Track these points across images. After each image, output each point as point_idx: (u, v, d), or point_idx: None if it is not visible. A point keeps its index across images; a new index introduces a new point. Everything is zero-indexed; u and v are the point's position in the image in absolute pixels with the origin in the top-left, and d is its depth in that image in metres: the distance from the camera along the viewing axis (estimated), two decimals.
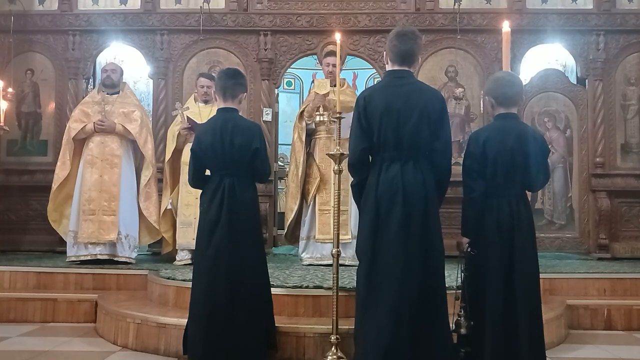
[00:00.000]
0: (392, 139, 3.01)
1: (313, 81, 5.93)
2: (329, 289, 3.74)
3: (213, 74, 5.97)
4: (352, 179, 3.23)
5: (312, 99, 5.48)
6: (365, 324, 3.01)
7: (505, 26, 3.54)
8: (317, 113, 4.52)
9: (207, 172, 3.61)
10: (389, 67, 3.19)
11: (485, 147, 3.08)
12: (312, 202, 5.48)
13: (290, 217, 5.57)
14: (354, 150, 3.10)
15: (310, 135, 5.58)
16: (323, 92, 5.42)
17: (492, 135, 3.12)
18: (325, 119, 4.47)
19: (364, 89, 8.53)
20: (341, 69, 5.58)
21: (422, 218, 2.99)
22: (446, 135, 3.10)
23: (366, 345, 2.97)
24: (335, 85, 4.23)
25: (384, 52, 3.23)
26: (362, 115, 3.06)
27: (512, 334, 2.99)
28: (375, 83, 3.47)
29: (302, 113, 5.56)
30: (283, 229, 5.90)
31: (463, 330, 3.08)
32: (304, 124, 5.52)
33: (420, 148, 3.05)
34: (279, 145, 7.61)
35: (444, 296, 3.04)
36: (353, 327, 3.25)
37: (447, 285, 3.96)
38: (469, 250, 3.09)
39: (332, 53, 5.30)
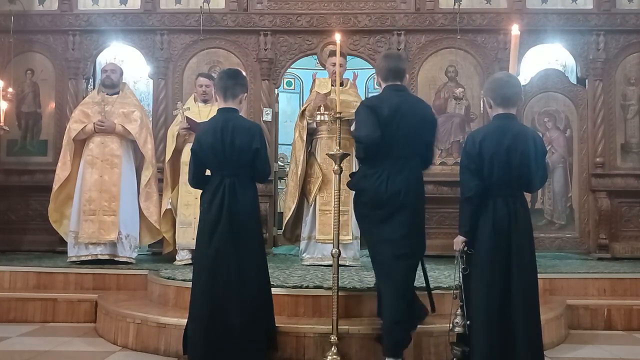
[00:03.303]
0: (398, 139, 3.42)
1: (314, 81, 5.92)
2: (329, 289, 3.74)
3: (213, 74, 5.98)
4: (360, 152, 3.54)
5: (313, 98, 5.49)
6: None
7: (515, 29, 3.56)
8: (319, 112, 4.52)
9: (208, 172, 3.61)
10: (384, 85, 3.61)
11: (482, 146, 3.08)
12: (313, 202, 5.48)
13: (288, 215, 5.56)
14: (369, 136, 3.40)
15: (312, 134, 5.58)
16: (324, 91, 5.43)
17: (489, 135, 3.13)
18: (327, 119, 4.47)
19: (364, 88, 8.54)
20: (345, 69, 5.59)
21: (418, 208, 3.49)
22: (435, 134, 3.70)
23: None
24: (340, 85, 4.25)
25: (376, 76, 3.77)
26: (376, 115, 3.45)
27: (508, 334, 2.99)
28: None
29: (303, 112, 5.56)
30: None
31: (460, 329, 3.08)
32: (305, 123, 5.52)
33: (418, 147, 3.52)
34: (279, 145, 7.61)
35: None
36: (354, 326, 3.70)
37: (446, 286, 4.03)
38: (465, 249, 3.10)
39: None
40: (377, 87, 3.74)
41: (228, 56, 6.73)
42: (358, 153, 3.62)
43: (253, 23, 6.69)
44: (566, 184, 6.56)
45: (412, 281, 3.48)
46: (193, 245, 4.21)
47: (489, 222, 3.06)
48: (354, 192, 3.63)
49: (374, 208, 3.45)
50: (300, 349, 3.71)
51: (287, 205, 5.60)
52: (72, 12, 6.77)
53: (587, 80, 6.63)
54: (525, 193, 3.23)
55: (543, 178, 3.25)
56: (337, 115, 3.65)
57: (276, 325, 3.66)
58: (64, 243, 5.80)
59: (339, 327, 3.52)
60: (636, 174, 6.49)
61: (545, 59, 7.00)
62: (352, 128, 5.23)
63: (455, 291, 3.14)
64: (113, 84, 5.75)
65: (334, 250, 3.60)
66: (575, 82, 6.73)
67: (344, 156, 3.64)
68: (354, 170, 4.48)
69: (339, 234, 3.64)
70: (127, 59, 7.12)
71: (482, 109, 6.49)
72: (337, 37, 3.75)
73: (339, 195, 3.65)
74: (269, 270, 3.75)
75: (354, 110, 5.03)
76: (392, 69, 3.57)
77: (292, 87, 10.90)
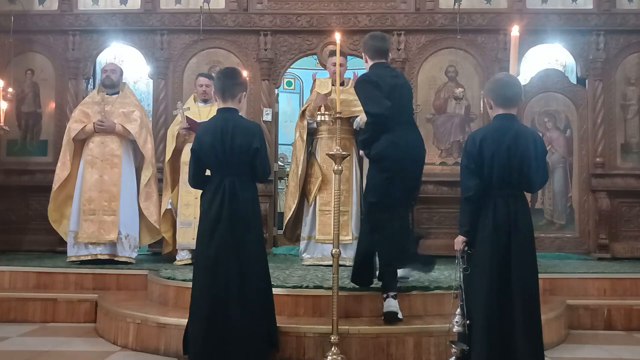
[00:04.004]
0: (402, 109, 3.90)
1: (314, 81, 5.93)
2: (329, 289, 3.74)
3: (213, 74, 5.98)
4: (367, 134, 3.92)
5: (314, 98, 5.49)
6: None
7: (514, 30, 3.58)
8: (319, 112, 4.52)
9: (208, 172, 3.61)
10: (371, 62, 4.01)
11: (482, 146, 3.08)
12: (313, 202, 5.48)
13: (288, 215, 5.56)
14: (387, 108, 3.74)
15: (312, 134, 5.58)
16: (325, 91, 5.43)
17: (489, 135, 3.13)
18: (327, 119, 4.47)
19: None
20: (346, 69, 5.59)
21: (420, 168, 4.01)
22: None
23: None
24: (340, 84, 4.29)
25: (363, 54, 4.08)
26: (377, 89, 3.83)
27: (508, 334, 2.98)
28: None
29: (304, 112, 5.57)
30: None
31: (459, 329, 3.08)
32: (305, 123, 5.53)
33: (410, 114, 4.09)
34: (279, 145, 7.62)
35: None
36: (353, 326, 3.71)
37: (446, 286, 4.03)
38: (466, 249, 3.10)
39: None
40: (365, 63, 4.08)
41: (228, 56, 6.74)
42: (374, 127, 3.85)
43: (253, 23, 6.69)
44: (566, 184, 6.56)
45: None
46: (193, 245, 4.21)
47: (490, 222, 3.06)
48: (371, 157, 3.93)
49: (398, 170, 3.77)
50: (300, 349, 3.71)
51: (288, 205, 5.60)
52: (72, 12, 6.77)
53: (587, 80, 6.63)
54: (525, 193, 3.23)
55: (543, 178, 3.24)
56: (338, 115, 3.65)
57: (277, 325, 3.65)
58: (64, 243, 5.80)
59: (339, 327, 3.52)
60: (636, 174, 6.49)
61: (545, 59, 6.99)
62: (355, 126, 5.27)
63: (455, 291, 3.14)
64: (113, 84, 5.75)
65: (334, 250, 3.59)
66: (575, 82, 6.73)
67: (344, 156, 3.64)
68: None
69: (339, 234, 3.64)
70: (127, 59, 7.11)
71: (482, 109, 6.49)
72: (337, 37, 3.75)
73: (339, 195, 3.65)
74: (269, 270, 3.75)
75: (354, 109, 5.06)
76: (379, 48, 4.00)
77: (292, 87, 10.90)
